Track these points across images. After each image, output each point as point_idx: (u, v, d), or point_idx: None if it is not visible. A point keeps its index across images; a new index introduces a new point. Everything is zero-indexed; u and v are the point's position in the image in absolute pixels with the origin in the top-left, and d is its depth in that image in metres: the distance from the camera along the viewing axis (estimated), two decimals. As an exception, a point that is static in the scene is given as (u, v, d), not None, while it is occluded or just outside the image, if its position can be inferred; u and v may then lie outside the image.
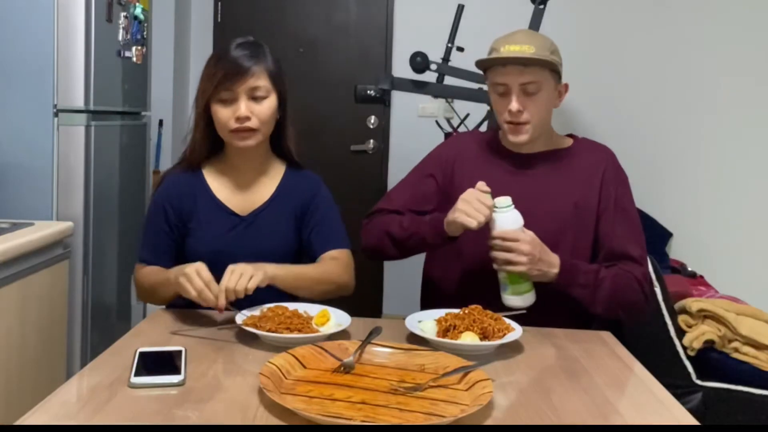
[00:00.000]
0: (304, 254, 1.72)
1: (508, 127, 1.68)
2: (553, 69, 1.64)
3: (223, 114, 1.57)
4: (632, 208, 1.73)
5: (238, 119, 1.56)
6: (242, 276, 1.41)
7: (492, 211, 1.52)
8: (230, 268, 1.42)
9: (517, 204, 1.67)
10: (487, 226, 1.53)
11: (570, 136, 1.81)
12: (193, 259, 1.57)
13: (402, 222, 1.69)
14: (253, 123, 1.58)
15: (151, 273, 1.62)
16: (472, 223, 1.50)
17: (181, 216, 1.66)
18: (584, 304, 1.60)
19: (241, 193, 1.68)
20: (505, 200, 1.53)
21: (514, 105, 1.62)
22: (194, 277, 1.40)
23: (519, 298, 1.54)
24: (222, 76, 1.56)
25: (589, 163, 1.72)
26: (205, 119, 1.62)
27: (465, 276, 1.72)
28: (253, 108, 1.58)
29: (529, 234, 1.53)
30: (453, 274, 1.74)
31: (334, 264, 1.64)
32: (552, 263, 1.55)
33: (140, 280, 1.65)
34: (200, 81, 1.62)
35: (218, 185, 1.68)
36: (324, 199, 1.72)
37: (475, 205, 1.51)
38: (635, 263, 1.64)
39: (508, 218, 1.53)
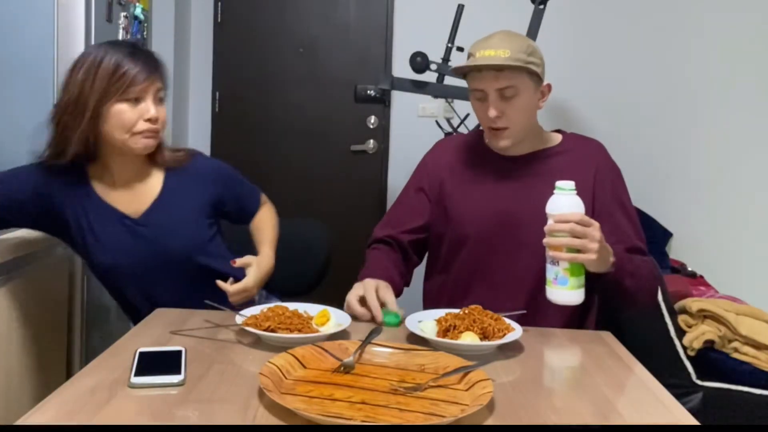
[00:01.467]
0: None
1: (489, 132, 1.68)
2: (531, 72, 1.62)
3: (129, 115, 1.53)
4: (628, 200, 1.72)
5: (150, 120, 1.55)
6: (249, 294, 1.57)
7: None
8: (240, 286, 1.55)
9: (508, 206, 1.67)
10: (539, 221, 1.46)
11: (558, 131, 1.80)
12: (98, 272, 1.64)
13: (376, 264, 1.72)
14: (158, 125, 1.58)
15: None
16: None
17: (49, 205, 1.61)
18: (631, 294, 1.55)
19: (128, 195, 1.64)
20: (569, 183, 1.44)
21: (492, 111, 1.61)
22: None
23: (578, 293, 1.43)
24: (135, 75, 1.52)
25: (580, 159, 1.71)
26: (95, 119, 1.54)
27: (464, 281, 1.72)
28: (158, 110, 1.57)
29: (596, 228, 1.42)
30: (451, 280, 1.75)
31: (267, 213, 1.85)
32: (609, 250, 1.47)
33: None
34: (87, 82, 1.53)
35: (99, 190, 1.63)
36: (224, 176, 1.76)
37: (351, 299, 1.53)
38: (644, 254, 1.65)
39: (575, 201, 1.43)
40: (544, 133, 1.76)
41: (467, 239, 1.70)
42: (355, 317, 1.49)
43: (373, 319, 1.50)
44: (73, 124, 1.54)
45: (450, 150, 1.83)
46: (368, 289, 1.53)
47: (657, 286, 1.65)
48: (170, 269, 1.63)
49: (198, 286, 1.59)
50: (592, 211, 1.66)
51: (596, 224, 1.41)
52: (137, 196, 1.64)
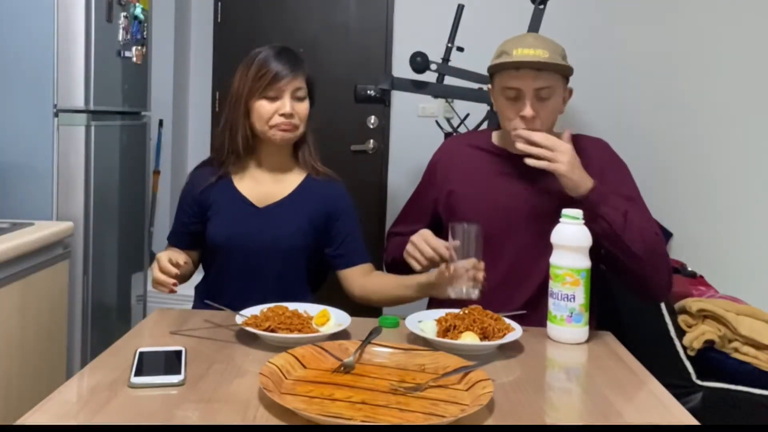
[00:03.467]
0: (318, 259, 1.78)
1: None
2: (565, 75, 1.63)
3: (267, 109, 1.68)
4: (638, 194, 1.72)
5: (283, 115, 1.67)
6: None
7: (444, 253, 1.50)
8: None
9: (518, 204, 1.67)
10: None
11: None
12: (211, 243, 1.73)
13: (400, 245, 1.69)
14: (295, 120, 1.69)
15: None
16: (415, 266, 1.55)
17: (202, 207, 1.75)
18: (615, 229, 1.53)
19: (261, 187, 1.75)
20: (576, 211, 1.44)
21: (529, 111, 1.59)
22: (155, 270, 1.52)
23: (587, 328, 1.44)
24: (273, 76, 1.67)
25: (587, 158, 1.70)
26: (246, 115, 1.71)
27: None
28: (294, 106, 1.69)
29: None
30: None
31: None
32: (587, 177, 1.55)
33: None
34: (241, 81, 1.71)
35: (240, 179, 1.76)
36: (349, 214, 1.79)
37: (421, 247, 1.53)
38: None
39: (582, 231, 1.44)
40: (552, 133, 1.77)
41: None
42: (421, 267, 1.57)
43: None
44: (236, 118, 1.71)
45: (458, 149, 1.83)
46: (425, 234, 1.57)
47: (663, 253, 1.65)
48: (272, 262, 1.70)
49: (286, 289, 1.67)
50: None
51: (566, 145, 1.54)
52: (269, 191, 1.75)
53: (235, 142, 1.72)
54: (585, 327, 1.43)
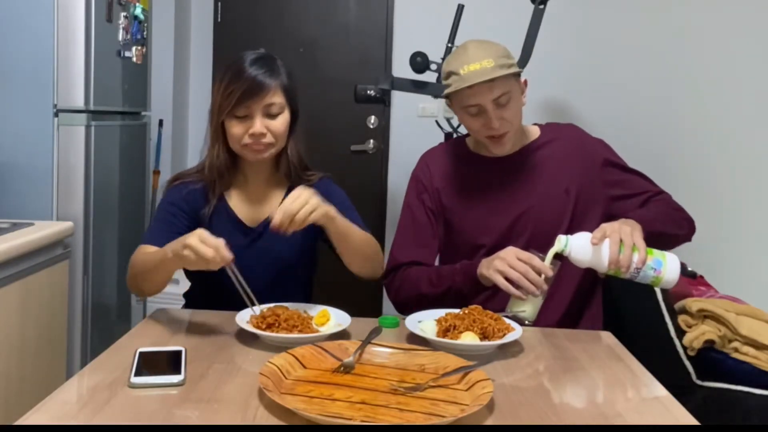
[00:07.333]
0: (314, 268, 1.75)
1: (488, 141, 1.68)
2: (516, 74, 1.64)
3: (237, 129, 1.59)
4: (622, 160, 1.79)
5: (253, 135, 1.58)
6: (306, 204, 1.40)
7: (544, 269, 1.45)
8: (295, 192, 1.42)
9: (515, 208, 1.68)
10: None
11: (534, 124, 1.83)
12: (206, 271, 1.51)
13: (431, 279, 1.66)
14: (267, 139, 1.60)
15: (148, 254, 1.52)
16: (514, 292, 1.46)
17: (194, 216, 1.64)
18: (670, 232, 1.66)
19: (252, 204, 1.69)
20: (559, 241, 1.47)
21: (495, 123, 1.62)
22: (200, 245, 1.31)
23: (671, 253, 1.50)
24: (240, 94, 1.56)
25: (565, 145, 1.75)
26: (222, 134, 1.63)
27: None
28: (267, 124, 1.59)
29: (608, 228, 1.46)
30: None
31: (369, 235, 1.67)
32: (632, 222, 1.50)
33: (136, 260, 1.55)
34: (214, 97, 1.63)
35: (230, 195, 1.69)
36: (338, 202, 1.65)
37: (520, 267, 1.45)
38: (660, 194, 1.76)
39: (583, 245, 1.47)
40: (525, 128, 1.79)
41: (482, 248, 1.70)
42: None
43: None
44: (215, 137, 1.64)
45: (438, 161, 1.81)
46: (525, 255, 1.48)
47: (683, 214, 1.75)
48: (269, 282, 1.63)
49: (285, 296, 1.59)
50: (599, 185, 1.72)
51: (615, 236, 1.44)
52: (260, 208, 1.68)
53: (219, 161, 1.64)
54: (666, 258, 1.47)
